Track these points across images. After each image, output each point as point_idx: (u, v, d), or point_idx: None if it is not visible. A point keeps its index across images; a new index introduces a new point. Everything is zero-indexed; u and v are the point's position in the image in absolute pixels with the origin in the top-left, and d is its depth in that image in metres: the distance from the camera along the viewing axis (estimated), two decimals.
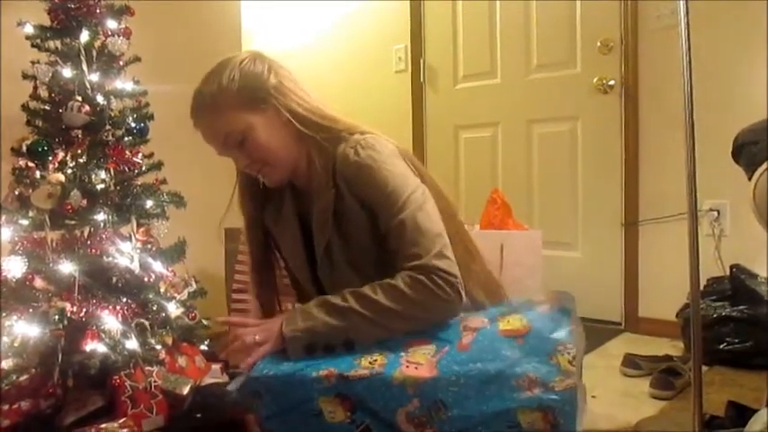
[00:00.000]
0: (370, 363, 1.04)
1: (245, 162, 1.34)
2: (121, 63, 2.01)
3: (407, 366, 1.00)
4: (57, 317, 1.72)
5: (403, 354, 1.04)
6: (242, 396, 1.09)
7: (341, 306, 1.14)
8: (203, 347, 2.15)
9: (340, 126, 1.34)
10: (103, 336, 1.76)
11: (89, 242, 1.88)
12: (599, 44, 3.05)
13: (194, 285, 2.10)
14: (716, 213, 2.74)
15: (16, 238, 1.84)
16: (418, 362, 1.01)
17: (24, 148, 1.84)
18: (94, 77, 1.92)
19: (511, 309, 1.15)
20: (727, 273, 2.59)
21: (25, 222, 1.83)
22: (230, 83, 1.29)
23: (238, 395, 1.10)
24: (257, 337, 1.16)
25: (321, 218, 1.31)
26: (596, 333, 2.99)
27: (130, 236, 1.94)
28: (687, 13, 1.68)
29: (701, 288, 2.44)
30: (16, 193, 1.84)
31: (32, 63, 1.89)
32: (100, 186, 1.88)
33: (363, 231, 1.27)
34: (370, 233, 1.26)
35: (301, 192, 1.41)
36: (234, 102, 1.29)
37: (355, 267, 1.29)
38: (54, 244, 1.85)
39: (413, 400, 0.98)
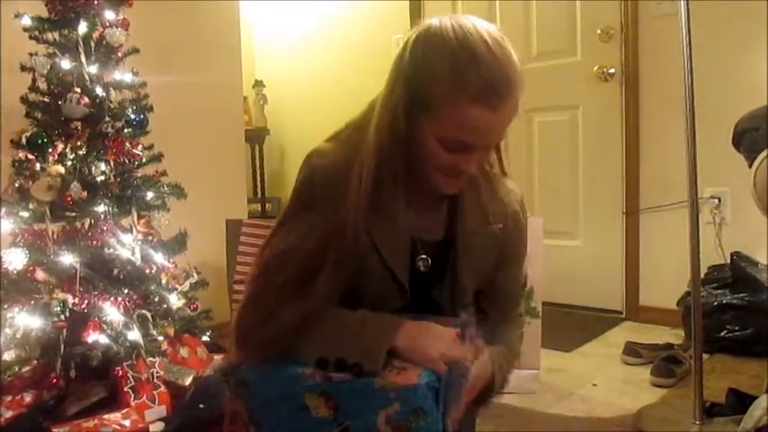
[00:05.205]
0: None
1: (473, 166, 1.06)
2: (120, 54, 2.00)
3: (390, 371, 1.01)
4: (58, 308, 1.72)
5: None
6: (229, 383, 1.09)
7: (511, 360, 1.22)
8: (205, 338, 2.16)
9: None
10: (105, 327, 1.77)
11: (90, 234, 1.88)
12: (599, 32, 3.03)
13: (195, 276, 2.11)
14: (717, 201, 2.74)
15: (17, 230, 1.84)
16: (402, 367, 1.01)
17: (24, 141, 1.84)
18: (93, 69, 1.92)
19: None
20: (728, 260, 2.59)
21: (26, 214, 1.83)
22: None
23: (225, 382, 1.10)
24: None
25: (480, 253, 1.17)
26: (597, 322, 3.00)
27: (131, 227, 1.94)
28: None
29: (702, 276, 2.44)
30: (16, 185, 1.84)
31: (31, 55, 1.88)
32: (100, 178, 1.88)
33: (484, 275, 1.22)
34: (484, 276, 1.22)
35: (427, 208, 1.18)
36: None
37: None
38: (55, 236, 1.86)
39: (394, 403, 0.98)
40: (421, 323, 1.04)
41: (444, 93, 0.97)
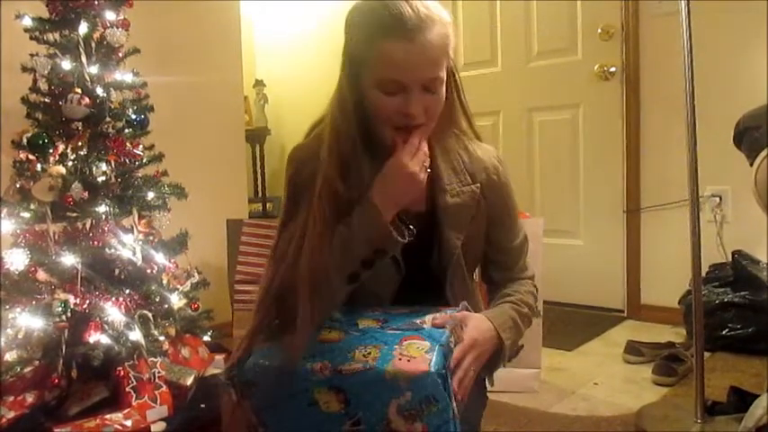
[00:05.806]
0: (363, 356, 1.03)
1: (419, 111, 1.08)
2: (120, 55, 2.00)
3: (400, 359, 1.00)
4: (60, 309, 1.72)
5: (397, 347, 1.04)
6: (234, 385, 1.09)
7: (525, 313, 1.23)
8: (206, 338, 2.16)
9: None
10: (107, 327, 1.77)
11: (91, 234, 1.88)
12: (600, 30, 3.03)
13: (197, 276, 2.11)
14: (717, 199, 2.74)
15: (18, 231, 1.84)
16: (411, 355, 1.01)
17: (25, 141, 1.84)
18: (94, 69, 1.92)
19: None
20: (729, 259, 2.59)
21: (27, 215, 1.83)
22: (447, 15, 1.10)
23: (231, 384, 1.09)
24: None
25: (462, 212, 1.20)
26: (599, 320, 3.00)
27: (132, 228, 1.94)
28: None
29: (703, 274, 2.45)
30: (17, 185, 1.84)
31: (31, 55, 1.88)
32: (101, 178, 1.88)
33: (480, 237, 1.25)
34: (481, 239, 1.26)
35: None
36: (450, 36, 1.08)
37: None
38: (56, 236, 1.86)
39: (405, 392, 0.98)
40: (380, 180, 1.09)
41: (367, 39, 1.06)
